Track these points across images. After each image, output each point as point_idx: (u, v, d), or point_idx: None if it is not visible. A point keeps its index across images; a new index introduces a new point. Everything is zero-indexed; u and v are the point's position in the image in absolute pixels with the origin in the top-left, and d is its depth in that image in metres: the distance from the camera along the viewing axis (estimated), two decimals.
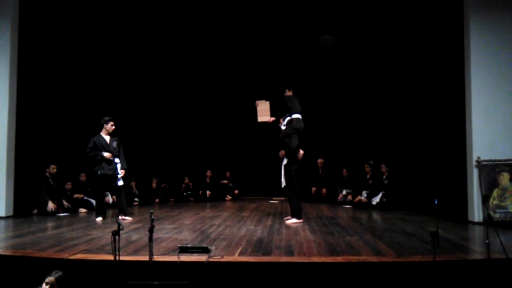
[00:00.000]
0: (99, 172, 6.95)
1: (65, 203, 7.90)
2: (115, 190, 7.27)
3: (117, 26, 9.87)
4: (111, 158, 6.95)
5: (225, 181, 11.34)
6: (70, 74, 9.01)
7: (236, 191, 11.38)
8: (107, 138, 7.11)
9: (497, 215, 6.29)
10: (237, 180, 11.53)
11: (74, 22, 8.95)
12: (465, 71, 6.83)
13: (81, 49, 9.23)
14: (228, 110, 11.47)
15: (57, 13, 8.52)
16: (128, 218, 6.90)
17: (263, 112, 6.79)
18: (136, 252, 4.21)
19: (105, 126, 7.09)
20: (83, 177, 8.77)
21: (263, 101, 6.80)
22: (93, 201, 8.62)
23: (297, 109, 6.55)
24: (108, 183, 7.07)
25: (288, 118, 6.60)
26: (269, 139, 9.23)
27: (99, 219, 6.80)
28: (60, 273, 3.33)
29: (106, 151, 6.95)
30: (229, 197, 11.18)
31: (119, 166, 7.02)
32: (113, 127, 7.12)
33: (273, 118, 6.81)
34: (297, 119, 6.49)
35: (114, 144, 7.10)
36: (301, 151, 6.69)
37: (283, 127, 6.73)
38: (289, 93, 6.78)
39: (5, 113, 7.37)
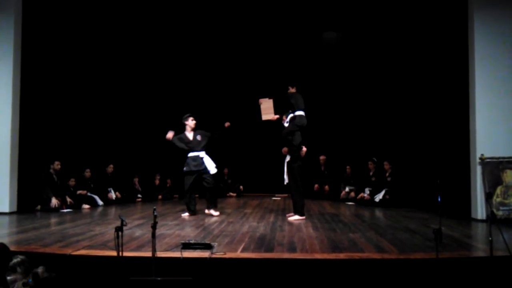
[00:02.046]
0: (184, 169, 7.03)
1: (68, 199, 7.93)
2: (203, 186, 7.14)
3: (119, 24, 9.87)
4: (190, 154, 7.00)
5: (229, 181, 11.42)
6: (73, 71, 9.03)
7: (241, 187, 11.41)
8: (191, 134, 7.17)
9: (500, 213, 6.27)
10: (240, 177, 11.54)
11: (77, 19, 8.96)
12: (469, 68, 6.80)
13: (84, 45, 9.24)
14: (231, 107, 11.45)
15: (60, 10, 8.53)
16: (215, 213, 6.94)
17: (267, 110, 6.77)
18: (139, 248, 4.22)
19: (186, 123, 7.18)
20: (87, 173, 8.80)
21: (267, 99, 6.78)
22: (96, 197, 8.68)
23: (301, 106, 6.53)
24: (194, 179, 7.03)
25: (291, 115, 6.58)
26: (271, 136, 9.22)
27: (186, 214, 6.90)
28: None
29: (188, 147, 7.05)
30: (231, 194, 11.20)
31: (206, 161, 7.05)
32: (194, 121, 7.20)
33: (277, 116, 6.79)
34: (300, 116, 6.47)
35: (198, 137, 7.14)
36: (304, 148, 6.68)
37: (286, 124, 6.72)
38: (292, 90, 6.76)
39: (8, 109, 7.40)
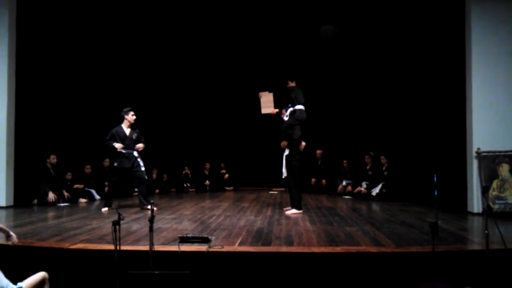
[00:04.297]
0: (115, 164, 6.86)
1: (65, 193, 7.92)
2: (133, 182, 7.10)
3: (114, 16, 9.79)
4: (123, 151, 6.80)
5: (224, 171, 11.40)
6: (69, 65, 8.98)
7: (226, 175, 11.34)
8: (128, 131, 6.94)
9: (496, 206, 6.31)
10: (237, 171, 11.55)
11: (72, 12, 8.89)
12: (465, 63, 6.80)
13: (79, 40, 9.18)
14: (228, 102, 11.45)
15: (55, 3, 8.46)
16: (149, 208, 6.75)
17: (267, 103, 6.75)
18: (136, 242, 4.22)
19: (126, 117, 6.92)
20: (88, 169, 8.83)
21: (267, 92, 6.75)
22: (93, 191, 8.68)
23: (300, 100, 6.53)
24: (125, 175, 6.96)
25: (291, 109, 6.57)
26: (269, 130, 9.23)
27: (105, 209, 6.75)
28: None
29: (124, 144, 6.81)
30: (228, 188, 11.23)
31: (139, 159, 6.93)
32: (134, 117, 6.97)
33: (276, 110, 6.78)
34: (300, 110, 6.47)
35: (134, 136, 6.97)
36: (303, 143, 6.68)
37: (285, 118, 6.71)
38: (292, 84, 6.74)
39: (4, 103, 7.36)
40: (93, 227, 5.09)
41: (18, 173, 7.57)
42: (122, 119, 7.00)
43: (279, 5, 10.01)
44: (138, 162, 6.94)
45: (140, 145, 7.00)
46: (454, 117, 7.05)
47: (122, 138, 6.86)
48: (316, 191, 10.22)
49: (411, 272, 3.74)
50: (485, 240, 3.59)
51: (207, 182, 11.08)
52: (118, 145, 6.77)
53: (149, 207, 6.70)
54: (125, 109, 7.00)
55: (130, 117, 6.96)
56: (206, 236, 4.23)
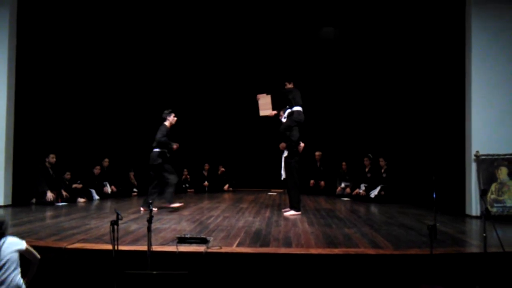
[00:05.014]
0: (160, 161, 6.74)
1: (63, 192, 7.91)
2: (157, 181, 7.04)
3: (114, 17, 9.79)
4: (166, 151, 6.79)
5: (223, 169, 11.41)
6: (68, 65, 8.96)
7: (226, 186, 11.33)
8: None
9: (494, 209, 6.31)
10: (236, 172, 11.55)
11: (72, 12, 8.89)
12: (465, 65, 6.81)
13: (79, 40, 9.17)
14: (227, 103, 11.45)
15: (55, 3, 8.46)
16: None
17: (265, 106, 6.75)
18: (134, 242, 4.21)
19: (168, 118, 6.92)
20: (97, 170, 8.87)
21: (264, 95, 6.76)
22: (92, 191, 8.67)
23: (298, 102, 6.53)
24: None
25: (289, 110, 6.58)
26: (268, 131, 9.23)
27: (154, 209, 6.61)
28: None
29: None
30: (226, 188, 11.23)
31: None
32: (176, 118, 6.97)
33: (275, 112, 6.78)
34: (298, 111, 6.47)
35: None
36: (302, 144, 6.69)
37: (283, 120, 6.71)
38: (289, 85, 6.74)
39: (4, 102, 7.35)
40: (91, 227, 5.08)
41: (16, 172, 7.55)
42: (163, 120, 6.94)
43: (280, 7, 10.03)
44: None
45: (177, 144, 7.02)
46: (453, 120, 7.06)
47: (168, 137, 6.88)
48: (314, 192, 10.22)
49: (409, 274, 3.74)
50: (483, 243, 3.60)
51: (206, 183, 11.09)
52: (175, 145, 6.78)
53: (142, 209, 6.78)
54: (166, 111, 6.98)
55: (172, 118, 6.95)
56: (204, 236, 4.23)
